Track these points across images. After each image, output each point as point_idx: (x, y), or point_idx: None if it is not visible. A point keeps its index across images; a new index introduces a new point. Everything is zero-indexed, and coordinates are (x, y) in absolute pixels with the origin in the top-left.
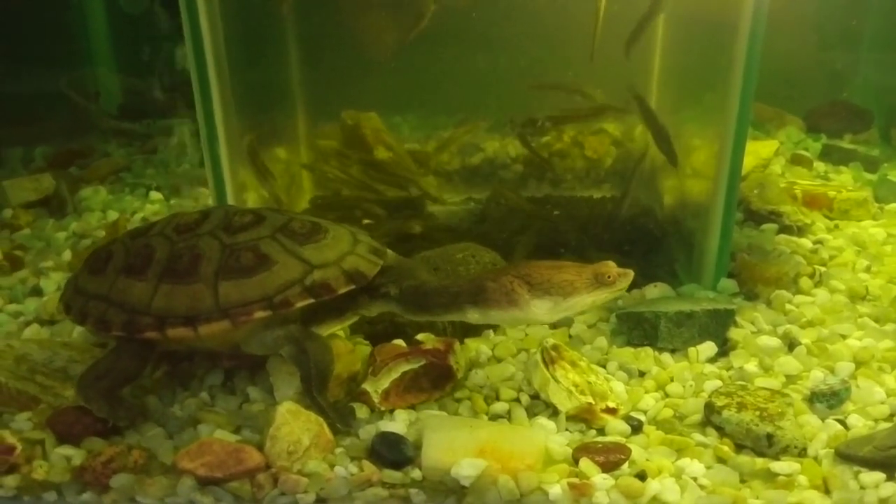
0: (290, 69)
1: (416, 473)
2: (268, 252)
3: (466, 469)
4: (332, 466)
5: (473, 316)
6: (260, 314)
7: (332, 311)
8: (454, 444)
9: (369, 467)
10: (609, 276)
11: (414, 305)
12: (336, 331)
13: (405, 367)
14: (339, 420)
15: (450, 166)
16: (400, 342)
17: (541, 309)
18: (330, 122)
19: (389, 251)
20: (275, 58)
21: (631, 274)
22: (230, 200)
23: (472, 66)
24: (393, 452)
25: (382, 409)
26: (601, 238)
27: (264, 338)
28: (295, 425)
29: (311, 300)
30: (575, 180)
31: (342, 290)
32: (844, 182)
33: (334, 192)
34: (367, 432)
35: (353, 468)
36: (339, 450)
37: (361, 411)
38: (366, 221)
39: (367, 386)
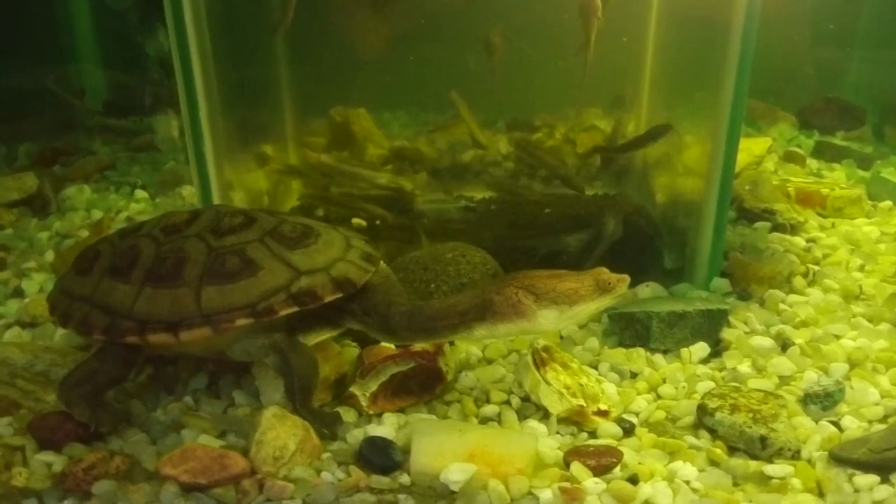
0: (278, 65)
1: (404, 478)
2: (254, 257)
3: (456, 474)
4: (318, 472)
5: (480, 333)
6: (243, 322)
7: (322, 319)
8: (443, 449)
9: (357, 473)
10: (609, 283)
11: (411, 331)
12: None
13: (394, 370)
14: (324, 428)
15: (439, 164)
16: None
17: (548, 318)
18: (319, 118)
19: (382, 264)
20: (262, 54)
21: (627, 279)
22: (215, 199)
23: (464, 63)
24: (381, 457)
25: (371, 412)
26: (593, 237)
27: (249, 345)
28: (281, 430)
29: (296, 308)
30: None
31: (329, 299)
32: (837, 179)
33: (323, 190)
34: (355, 437)
35: (341, 473)
36: (326, 455)
37: (349, 415)
38: (355, 221)
39: (354, 389)
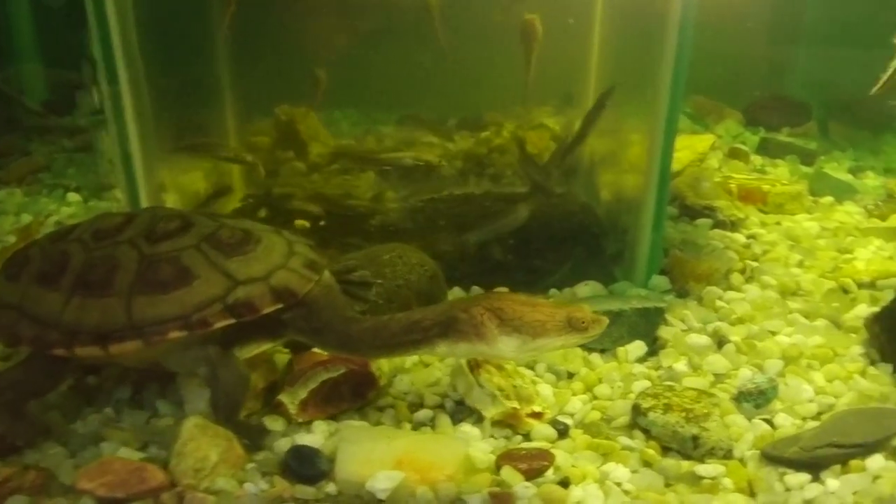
0: (218, 64)
1: (330, 488)
2: (189, 265)
3: (382, 482)
4: (241, 483)
5: (441, 350)
6: (175, 334)
7: (262, 330)
8: (370, 457)
9: (281, 483)
10: (583, 322)
11: (374, 347)
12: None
13: (324, 377)
14: (248, 440)
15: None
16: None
17: (508, 346)
18: (265, 117)
19: (327, 272)
20: (200, 53)
21: (605, 322)
22: (144, 202)
23: (415, 62)
24: (306, 467)
25: (300, 420)
26: (539, 237)
27: (184, 357)
28: (202, 441)
29: (232, 321)
30: (515, 176)
31: (267, 310)
32: (780, 175)
33: (266, 190)
34: (283, 446)
35: (264, 484)
36: (250, 465)
37: (277, 423)
38: (298, 223)
39: (283, 397)
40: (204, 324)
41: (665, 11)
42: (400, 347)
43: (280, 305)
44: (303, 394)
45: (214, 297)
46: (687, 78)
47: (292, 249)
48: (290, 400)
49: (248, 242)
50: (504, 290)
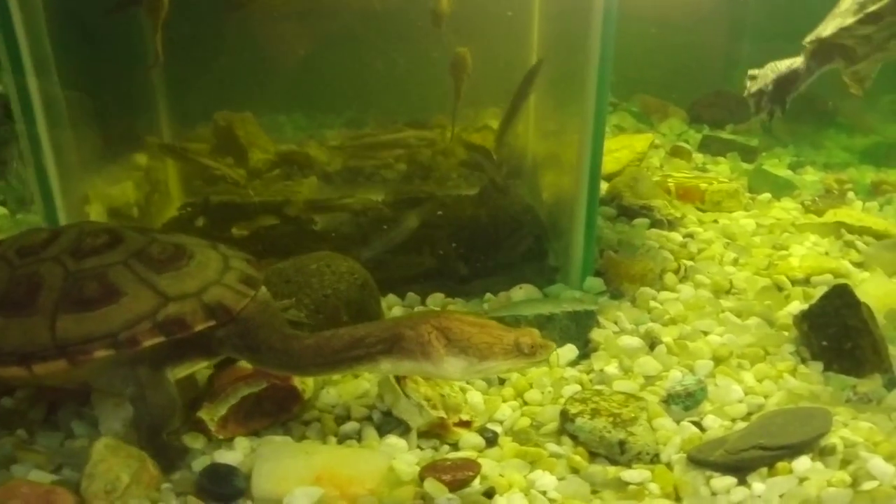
0: (150, 72)
1: None
2: (116, 281)
3: (300, 498)
4: None
5: (385, 367)
6: (102, 353)
7: (196, 348)
8: (287, 473)
9: (195, 503)
10: (531, 346)
11: (317, 365)
12: None
13: (245, 392)
14: (168, 462)
15: (330, 167)
16: (245, 364)
17: (454, 367)
18: (203, 124)
19: (263, 288)
20: (127, 57)
21: (553, 346)
22: (63, 216)
23: (360, 65)
24: (222, 486)
25: (220, 437)
26: (480, 240)
27: (113, 376)
28: (113, 461)
29: (162, 338)
30: (460, 178)
31: (199, 328)
32: (721, 173)
33: (204, 198)
34: (202, 465)
35: None
36: (165, 486)
37: (197, 441)
38: (236, 231)
39: (202, 414)
40: (132, 342)
41: (588, 9)
42: (342, 364)
43: (213, 323)
44: (223, 410)
45: (143, 315)
46: (634, 77)
47: (227, 264)
48: (209, 416)
49: (180, 258)
50: (454, 307)
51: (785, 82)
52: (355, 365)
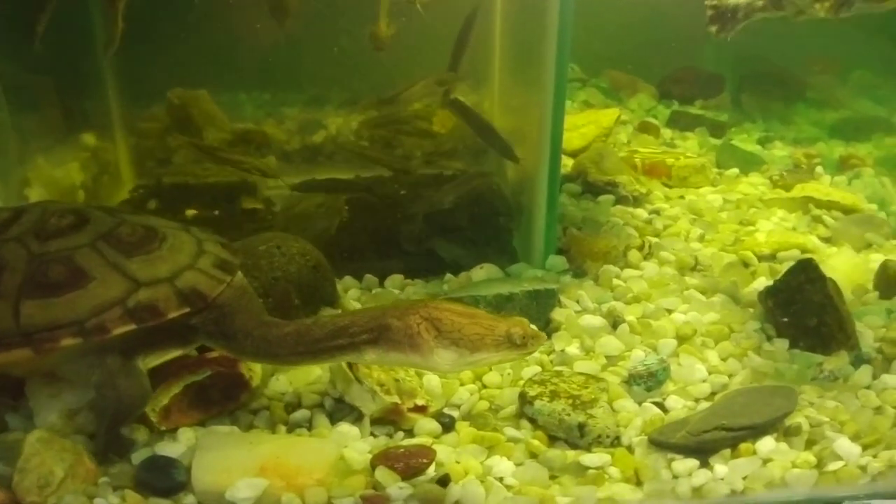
0: (97, 48)
1: (189, 499)
2: (83, 265)
3: (243, 490)
4: (91, 499)
5: (370, 357)
6: (69, 341)
7: (170, 336)
8: (230, 464)
9: (133, 497)
10: (523, 337)
11: (296, 354)
12: None
13: (188, 380)
14: (112, 454)
15: (289, 146)
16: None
17: (444, 359)
18: (156, 103)
19: (240, 274)
20: (73, 37)
21: (543, 337)
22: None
23: (322, 41)
24: (161, 478)
25: (163, 428)
26: (445, 220)
27: (80, 365)
28: (46, 455)
29: (133, 326)
30: (424, 157)
31: (173, 315)
32: (690, 148)
33: (157, 179)
34: (142, 457)
35: (116, 499)
36: (103, 479)
37: (140, 433)
38: (190, 212)
39: None
40: (101, 330)
41: None
42: (324, 354)
43: (187, 310)
44: (164, 400)
45: (113, 301)
46: (603, 53)
47: (202, 248)
48: (150, 407)
49: (151, 240)
50: (413, 288)
51: None
52: (338, 355)
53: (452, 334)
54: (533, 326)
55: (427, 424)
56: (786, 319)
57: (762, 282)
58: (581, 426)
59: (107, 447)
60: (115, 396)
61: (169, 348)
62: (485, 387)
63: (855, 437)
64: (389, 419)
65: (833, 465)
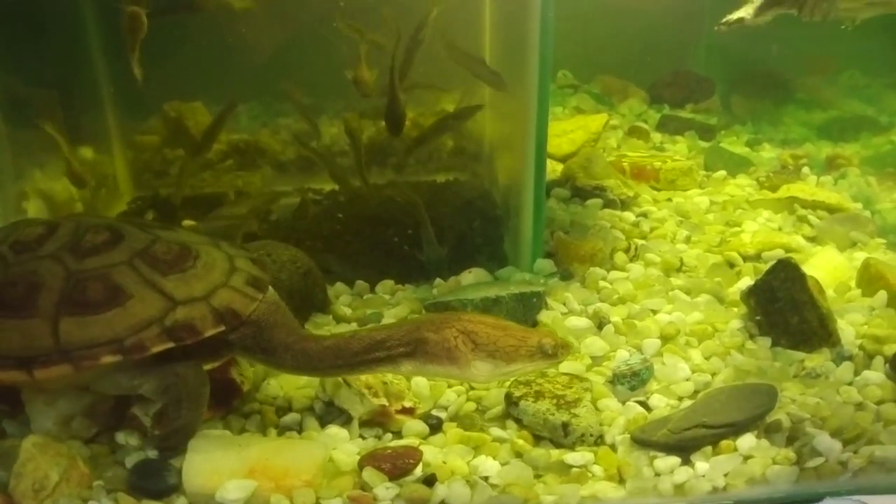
0: (94, 65)
1: (181, 501)
2: (121, 283)
3: (233, 492)
4: (85, 502)
5: (406, 369)
6: (108, 359)
7: (204, 350)
8: (219, 467)
9: (126, 500)
10: (554, 346)
11: (335, 367)
12: None
13: None
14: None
15: (284, 156)
16: None
17: (480, 371)
18: (153, 116)
19: (271, 289)
20: (70, 51)
21: (572, 346)
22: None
23: (317, 52)
24: (153, 482)
25: (156, 433)
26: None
27: (118, 379)
28: (42, 460)
29: (171, 344)
30: (418, 164)
31: (209, 333)
32: (679, 151)
33: (155, 192)
34: (135, 460)
35: (109, 502)
36: (97, 482)
37: (133, 438)
38: (186, 223)
39: (136, 410)
40: (140, 348)
41: None
42: (362, 366)
43: (222, 328)
44: (157, 405)
45: (151, 319)
46: (595, 59)
47: (233, 265)
48: (143, 412)
49: (185, 258)
50: (404, 293)
51: None
52: (375, 367)
53: (488, 346)
54: (560, 337)
55: (415, 426)
56: (767, 318)
57: (746, 282)
58: (565, 425)
59: (170, 436)
60: (189, 396)
61: (202, 362)
62: (472, 388)
63: (835, 433)
64: (378, 421)
65: (813, 462)
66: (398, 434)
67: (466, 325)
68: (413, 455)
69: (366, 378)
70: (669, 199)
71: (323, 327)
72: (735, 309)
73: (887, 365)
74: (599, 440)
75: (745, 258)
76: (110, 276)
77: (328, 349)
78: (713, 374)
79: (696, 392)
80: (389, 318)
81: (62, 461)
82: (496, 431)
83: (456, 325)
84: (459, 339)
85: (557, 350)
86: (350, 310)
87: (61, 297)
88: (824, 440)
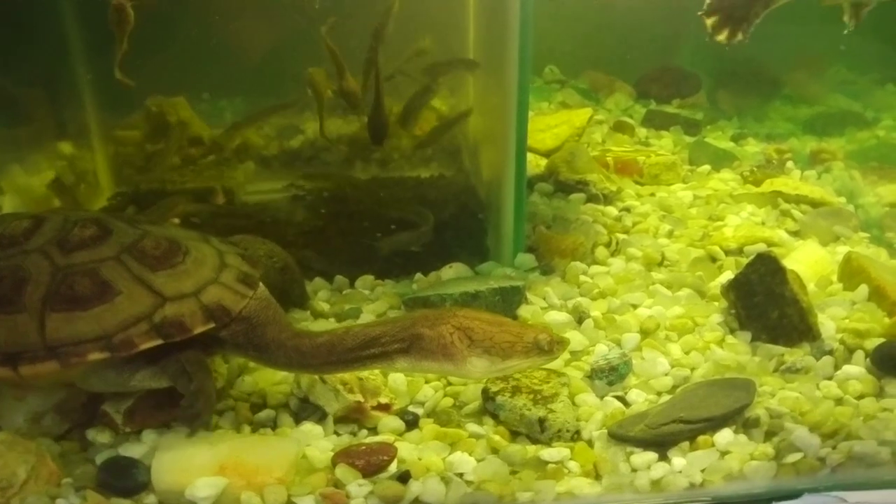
0: (72, 58)
1: (150, 499)
2: (109, 279)
3: (203, 489)
4: (54, 499)
5: (402, 365)
6: (96, 356)
7: (195, 346)
8: (189, 464)
9: (94, 497)
10: (550, 342)
11: (329, 364)
12: None
13: None
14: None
15: (267, 151)
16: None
17: (476, 367)
18: (135, 111)
19: (262, 286)
20: (48, 46)
21: (568, 342)
22: None
23: (303, 45)
24: (122, 479)
25: (127, 430)
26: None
27: (107, 376)
28: (9, 457)
29: (160, 341)
30: (402, 160)
31: (199, 330)
32: (664, 146)
33: (136, 187)
34: (105, 457)
35: (77, 500)
36: (66, 480)
37: (104, 435)
38: (175, 221)
39: (107, 407)
40: (128, 345)
41: None
42: (356, 363)
43: (212, 325)
44: (128, 402)
45: (140, 316)
46: (583, 55)
47: (224, 261)
48: (114, 409)
49: (175, 254)
50: (383, 288)
51: None
52: (370, 363)
53: (484, 343)
54: (556, 333)
55: (391, 422)
56: (746, 312)
57: (728, 276)
58: (541, 421)
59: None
60: (188, 363)
61: None
62: (449, 384)
63: (814, 428)
64: (353, 418)
65: (792, 457)
66: (374, 430)
67: (462, 321)
68: (387, 451)
69: (341, 374)
70: (653, 194)
71: (300, 323)
72: (716, 303)
73: (868, 359)
74: (576, 436)
75: (728, 252)
76: (98, 271)
77: (321, 346)
78: (692, 369)
79: (674, 387)
80: (368, 313)
81: (30, 458)
82: (473, 427)
83: (452, 321)
84: (455, 335)
85: (553, 346)
86: (328, 305)
87: (48, 292)
88: (803, 435)
